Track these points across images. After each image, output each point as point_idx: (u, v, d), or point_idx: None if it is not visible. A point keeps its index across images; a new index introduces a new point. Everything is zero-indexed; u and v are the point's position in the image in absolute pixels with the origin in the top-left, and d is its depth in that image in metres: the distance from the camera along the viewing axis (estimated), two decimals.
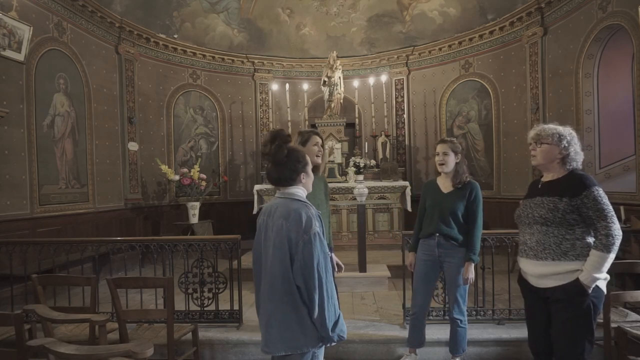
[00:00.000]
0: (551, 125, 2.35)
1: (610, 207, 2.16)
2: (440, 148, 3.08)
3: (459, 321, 3.09)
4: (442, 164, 3.06)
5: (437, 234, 3.04)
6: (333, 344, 1.95)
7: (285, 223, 1.89)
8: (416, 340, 3.26)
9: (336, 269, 3.07)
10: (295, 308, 1.87)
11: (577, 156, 2.30)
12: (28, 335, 2.99)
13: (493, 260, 3.76)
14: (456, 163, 3.06)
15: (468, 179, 3.08)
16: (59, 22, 6.00)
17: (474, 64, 8.15)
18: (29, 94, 5.43)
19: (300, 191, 2.01)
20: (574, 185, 2.21)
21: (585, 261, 2.16)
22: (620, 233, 2.13)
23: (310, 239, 1.84)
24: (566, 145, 2.27)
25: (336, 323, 1.89)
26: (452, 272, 3.06)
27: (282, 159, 1.95)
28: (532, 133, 2.40)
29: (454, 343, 3.15)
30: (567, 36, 6.39)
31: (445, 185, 3.12)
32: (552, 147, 2.29)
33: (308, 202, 2.00)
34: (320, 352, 1.99)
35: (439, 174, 3.18)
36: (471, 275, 2.99)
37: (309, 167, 2.05)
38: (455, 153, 3.06)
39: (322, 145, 3.01)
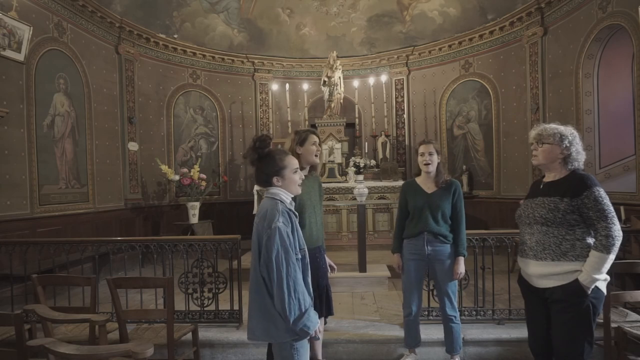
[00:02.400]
0: (553, 125, 2.34)
1: (611, 208, 2.15)
2: (425, 149, 3.12)
3: (453, 317, 3.13)
4: (428, 164, 3.09)
5: (426, 232, 3.06)
6: (319, 338, 2.12)
7: (257, 219, 2.07)
8: (413, 340, 3.28)
9: (329, 270, 3.07)
10: (263, 299, 2.01)
11: (579, 156, 2.29)
12: (28, 335, 2.99)
13: (493, 260, 3.76)
14: (438, 163, 3.12)
15: (449, 178, 3.16)
16: (59, 22, 6.00)
17: (474, 64, 8.15)
18: (29, 94, 5.43)
19: (278, 191, 2.11)
20: (575, 185, 2.21)
21: (585, 262, 2.16)
22: (621, 234, 2.12)
23: (271, 233, 1.96)
24: (567, 145, 2.27)
25: (300, 317, 1.95)
26: (443, 270, 3.10)
27: (254, 163, 2.12)
28: (533, 133, 2.39)
29: (451, 341, 3.17)
30: (567, 36, 6.39)
31: (427, 185, 3.15)
32: (553, 147, 2.29)
33: (283, 200, 2.09)
34: (301, 346, 2.04)
35: (418, 174, 3.23)
36: (462, 269, 3.07)
37: (287, 171, 2.12)
38: (438, 153, 3.13)
39: (320, 144, 2.98)
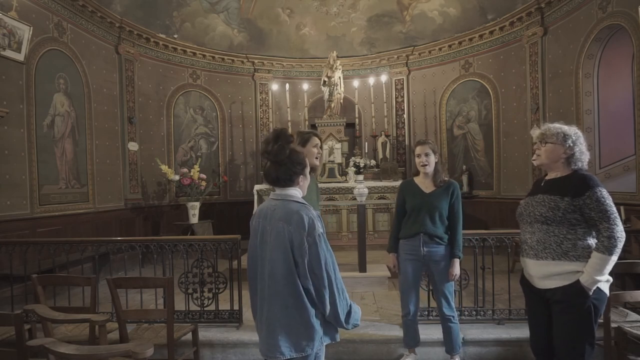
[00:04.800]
0: (556, 125, 2.32)
1: (614, 209, 2.13)
2: (421, 149, 3.11)
3: (451, 317, 3.13)
4: (425, 165, 3.09)
5: (422, 233, 3.06)
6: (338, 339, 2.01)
7: (286, 226, 1.87)
8: (412, 340, 3.29)
9: None
10: (300, 310, 1.87)
11: (583, 156, 2.28)
12: (28, 335, 2.98)
13: (493, 260, 3.76)
14: (435, 162, 3.11)
15: (447, 178, 3.15)
16: (59, 22, 6.00)
17: (474, 64, 8.15)
18: (29, 94, 5.43)
19: (297, 192, 2.00)
20: (576, 185, 2.19)
21: (586, 262, 2.15)
22: (624, 235, 2.11)
23: (315, 240, 1.85)
24: (571, 144, 2.25)
25: (349, 313, 1.93)
26: (439, 271, 3.10)
27: (283, 159, 1.92)
28: (537, 132, 2.38)
29: (450, 341, 3.17)
30: (567, 36, 6.39)
31: (425, 185, 3.14)
32: (556, 146, 2.27)
33: (306, 203, 1.99)
34: (322, 352, 2.00)
35: (416, 174, 3.22)
36: (457, 271, 3.07)
37: (307, 170, 2.05)
38: (435, 153, 3.12)
39: (321, 147, 3.00)
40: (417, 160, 3.14)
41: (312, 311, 1.88)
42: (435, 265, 3.10)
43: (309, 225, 1.85)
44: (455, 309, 3.18)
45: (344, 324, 1.91)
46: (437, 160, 3.12)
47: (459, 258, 3.08)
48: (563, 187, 2.24)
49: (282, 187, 1.98)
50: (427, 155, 3.08)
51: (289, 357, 1.89)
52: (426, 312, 3.76)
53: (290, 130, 8.14)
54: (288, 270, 1.86)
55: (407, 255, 3.15)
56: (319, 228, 1.89)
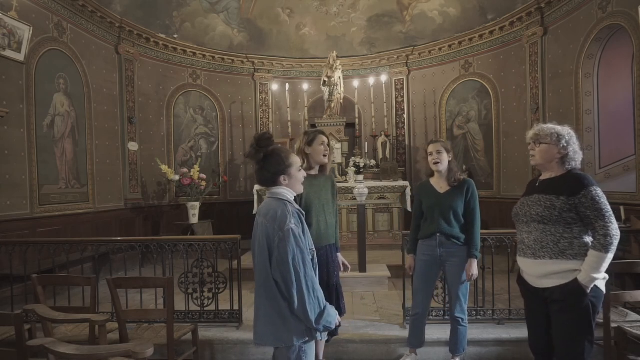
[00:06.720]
0: (550, 125, 2.35)
1: (609, 207, 2.16)
2: (433, 148, 3.11)
3: (460, 320, 3.11)
4: (438, 163, 3.09)
5: (439, 234, 3.05)
6: (322, 338, 2.03)
7: (264, 221, 1.98)
8: (417, 340, 3.27)
9: (342, 269, 3.09)
10: (275, 302, 1.95)
11: (576, 155, 2.31)
12: (28, 335, 2.98)
13: (493, 260, 3.76)
14: (449, 161, 3.11)
15: (462, 177, 3.13)
16: (59, 22, 6.00)
17: (474, 64, 8.15)
18: (29, 94, 5.43)
19: (283, 191, 2.06)
20: (571, 184, 2.21)
21: (583, 261, 2.16)
22: (619, 233, 2.13)
23: (284, 235, 1.91)
24: (565, 145, 2.28)
25: (321, 314, 1.95)
26: (454, 271, 3.07)
27: (259, 163, 2.05)
28: (530, 133, 2.41)
29: (455, 342, 3.16)
30: (567, 36, 6.39)
31: (440, 185, 3.14)
32: (550, 146, 2.30)
33: (290, 200, 2.06)
34: (309, 348, 2.03)
35: (431, 175, 3.23)
36: (474, 271, 3.03)
37: (292, 169, 2.09)
38: (447, 151, 3.12)
39: (329, 144, 3.01)
40: (429, 158, 3.13)
41: (286, 305, 1.94)
42: (451, 266, 3.08)
43: (280, 220, 1.93)
44: (466, 312, 3.14)
45: (314, 324, 1.93)
46: (450, 159, 3.11)
47: (476, 258, 3.04)
48: (558, 186, 2.26)
49: (267, 187, 2.09)
50: (439, 153, 3.08)
51: (270, 346, 2.01)
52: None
53: (290, 130, 8.19)
54: (265, 263, 1.96)
55: (424, 256, 3.15)
56: (290, 224, 1.93)
